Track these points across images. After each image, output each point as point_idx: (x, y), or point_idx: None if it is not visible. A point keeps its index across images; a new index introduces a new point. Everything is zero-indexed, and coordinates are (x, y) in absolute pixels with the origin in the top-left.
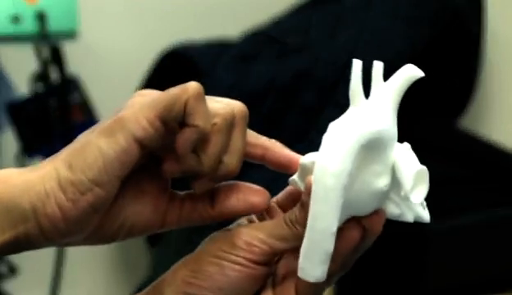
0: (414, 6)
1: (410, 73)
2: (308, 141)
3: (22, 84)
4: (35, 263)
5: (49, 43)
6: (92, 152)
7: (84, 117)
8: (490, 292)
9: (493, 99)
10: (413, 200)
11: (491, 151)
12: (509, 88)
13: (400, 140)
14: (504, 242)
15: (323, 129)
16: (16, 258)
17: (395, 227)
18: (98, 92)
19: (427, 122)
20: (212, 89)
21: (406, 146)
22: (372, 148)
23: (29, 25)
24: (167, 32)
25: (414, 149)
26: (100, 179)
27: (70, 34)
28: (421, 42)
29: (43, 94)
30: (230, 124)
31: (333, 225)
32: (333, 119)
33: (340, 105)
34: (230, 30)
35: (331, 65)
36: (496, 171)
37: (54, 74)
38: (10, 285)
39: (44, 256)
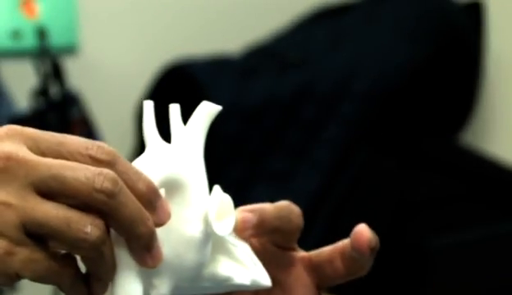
0: (415, 22)
1: (208, 110)
2: (309, 157)
3: (22, 100)
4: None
5: (49, 58)
6: None
7: (85, 132)
8: None
9: (494, 114)
10: (219, 232)
11: (491, 167)
12: (510, 103)
13: (404, 157)
14: (504, 257)
15: (326, 145)
16: None
17: (395, 243)
18: (98, 106)
19: (428, 139)
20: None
21: (217, 188)
22: (170, 192)
23: (29, 40)
24: (168, 47)
25: (416, 166)
26: None
27: (71, 49)
28: (421, 57)
29: (43, 109)
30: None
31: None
32: (335, 134)
33: (342, 120)
34: (231, 45)
35: (332, 80)
36: (494, 187)
37: (54, 90)
38: None
39: None
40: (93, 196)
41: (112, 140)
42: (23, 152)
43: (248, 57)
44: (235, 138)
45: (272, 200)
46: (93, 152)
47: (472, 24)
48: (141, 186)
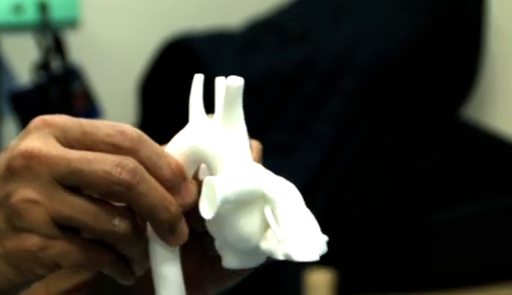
0: None
1: (232, 87)
2: (310, 131)
3: (24, 74)
4: None
5: (51, 32)
6: None
7: (86, 106)
8: (490, 282)
9: (495, 88)
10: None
11: (491, 141)
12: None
13: (405, 131)
14: (504, 231)
15: (327, 119)
16: None
17: (396, 217)
18: (99, 80)
19: (429, 113)
20: (213, 79)
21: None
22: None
23: (30, 14)
24: (169, 21)
25: (417, 140)
26: None
27: (72, 23)
28: (422, 31)
29: (45, 83)
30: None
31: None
32: (336, 108)
33: (343, 94)
34: (232, 19)
35: (333, 54)
36: (496, 161)
37: (56, 64)
38: None
39: None
40: (111, 188)
41: (114, 114)
42: (46, 147)
43: (249, 31)
44: None
45: (274, 174)
46: (114, 140)
47: None
48: (164, 171)
